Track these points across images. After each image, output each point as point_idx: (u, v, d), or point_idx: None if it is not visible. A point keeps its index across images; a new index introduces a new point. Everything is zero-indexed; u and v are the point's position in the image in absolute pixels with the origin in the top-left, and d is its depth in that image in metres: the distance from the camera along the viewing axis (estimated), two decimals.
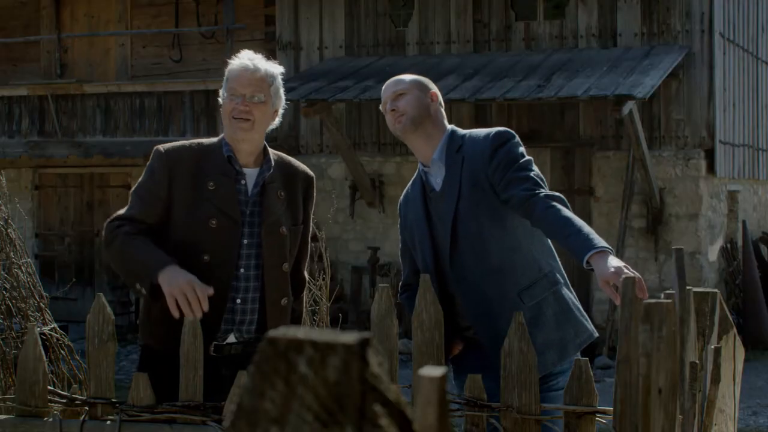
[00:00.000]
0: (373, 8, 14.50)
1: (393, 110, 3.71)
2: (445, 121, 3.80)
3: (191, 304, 3.28)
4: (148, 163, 3.61)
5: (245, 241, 3.54)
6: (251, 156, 3.60)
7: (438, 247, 3.71)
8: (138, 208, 3.53)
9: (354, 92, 12.76)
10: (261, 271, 3.56)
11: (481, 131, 3.75)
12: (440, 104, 3.81)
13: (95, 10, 16.25)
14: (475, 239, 3.62)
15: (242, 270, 3.54)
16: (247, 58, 3.61)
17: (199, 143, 3.64)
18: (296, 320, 3.78)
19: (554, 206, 3.41)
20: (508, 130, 3.70)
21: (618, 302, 3.17)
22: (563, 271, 3.78)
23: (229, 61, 3.66)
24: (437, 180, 3.73)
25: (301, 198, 3.69)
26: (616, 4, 13.47)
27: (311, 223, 3.81)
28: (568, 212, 3.41)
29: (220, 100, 3.63)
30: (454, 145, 3.71)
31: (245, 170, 3.58)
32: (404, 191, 3.94)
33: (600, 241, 3.26)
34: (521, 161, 3.59)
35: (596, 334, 3.75)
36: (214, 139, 3.66)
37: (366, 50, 14.53)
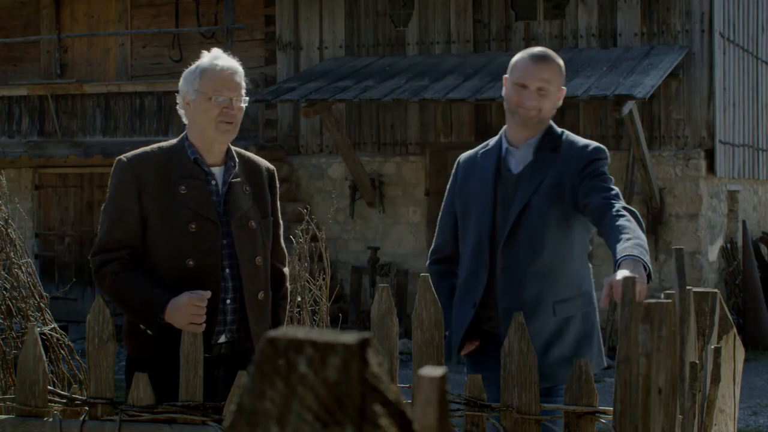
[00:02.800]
0: (373, 8, 14.50)
1: (531, 101, 3.67)
2: None
3: (199, 319, 3.34)
4: (111, 176, 3.55)
5: (224, 241, 3.53)
6: (221, 155, 3.59)
7: (496, 227, 3.69)
8: (113, 229, 3.49)
9: (354, 92, 12.76)
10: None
11: (581, 139, 3.77)
12: None
13: (95, 10, 16.25)
14: (535, 236, 3.62)
15: (227, 270, 3.53)
16: (224, 59, 3.56)
17: (160, 147, 3.60)
18: (282, 313, 3.76)
19: (623, 215, 3.42)
20: (605, 148, 3.74)
21: (603, 304, 3.18)
22: (594, 295, 3.78)
23: (201, 57, 3.61)
24: (518, 163, 3.73)
25: (267, 190, 3.68)
26: (616, 4, 13.47)
27: (280, 216, 3.79)
28: (632, 224, 3.39)
29: (186, 96, 3.55)
30: (552, 141, 3.73)
31: (213, 169, 3.57)
32: (467, 154, 3.89)
33: (639, 252, 3.22)
34: (607, 175, 3.64)
35: (604, 365, 3.79)
36: (174, 141, 3.62)
37: (366, 50, 14.53)
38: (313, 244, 6.39)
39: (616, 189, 3.60)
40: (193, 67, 3.59)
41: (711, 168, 13.33)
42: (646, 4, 13.34)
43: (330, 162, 14.49)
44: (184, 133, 3.63)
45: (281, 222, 3.79)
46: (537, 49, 3.81)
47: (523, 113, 3.69)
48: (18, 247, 4.76)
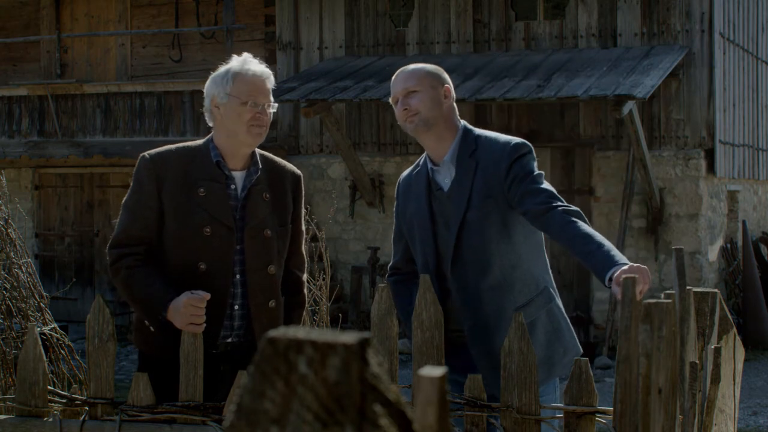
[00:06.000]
0: (373, 8, 14.50)
1: (405, 109, 3.58)
2: (457, 118, 3.69)
3: (199, 320, 3.33)
4: (134, 172, 3.56)
5: (238, 247, 3.52)
6: (244, 159, 3.58)
7: (439, 249, 3.64)
8: (131, 224, 3.50)
9: (354, 92, 12.76)
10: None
11: (497, 138, 3.63)
12: (453, 98, 3.67)
13: (95, 10, 16.25)
14: (479, 252, 3.56)
15: (238, 276, 3.52)
16: (255, 64, 3.55)
17: (185, 147, 3.60)
18: (297, 320, 3.77)
19: (573, 222, 3.36)
20: (526, 142, 3.61)
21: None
22: (554, 284, 3.75)
23: (232, 61, 3.61)
24: (445, 180, 3.64)
25: (290, 198, 3.66)
26: (616, 4, 13.47)
27: (303, 223, 3.78)
28: (586, 227, 3.36)
29: (216, 99, 3.54)
30: (468, 147, 3.61)
31: (234, 174, 3.56)
32: (404, 174, 3.81)
33: (620, 258, 3.22)
34: (535, 174, 3.52)
35: (581, 351, 3.70)
36: (200, 142, 3.61)
37: (366, 50, 14.53)
38: (313, 244, 6.40)
39: (548, 187, 3.49)
40: (223, 70, 3.56)
41: (711, 168, 13.33)
42: (646, 4, 13.34)
43: (330, 162, 14.49)
44: (210, 134, 3.62)
45: (303, 229, 3.77)
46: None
47: (408, 125, 3.59)
48: (18, 247, 4.76)
